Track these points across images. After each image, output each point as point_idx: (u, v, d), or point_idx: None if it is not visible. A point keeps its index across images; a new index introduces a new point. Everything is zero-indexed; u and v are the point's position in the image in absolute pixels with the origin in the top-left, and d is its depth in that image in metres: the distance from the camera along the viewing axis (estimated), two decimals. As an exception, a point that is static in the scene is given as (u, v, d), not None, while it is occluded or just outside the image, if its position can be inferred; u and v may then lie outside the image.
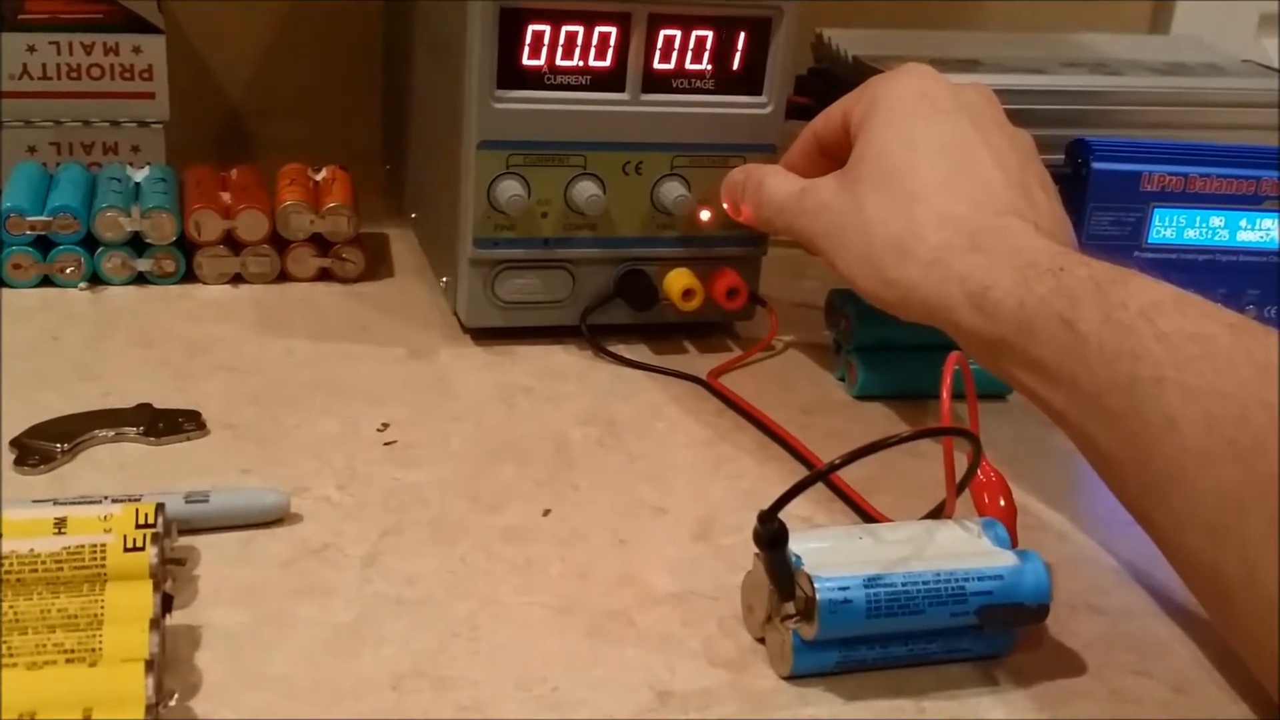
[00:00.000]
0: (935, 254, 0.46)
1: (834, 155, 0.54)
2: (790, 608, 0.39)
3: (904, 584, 0.39)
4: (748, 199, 0.56)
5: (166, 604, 0.38)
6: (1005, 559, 0.40)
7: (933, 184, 0.48)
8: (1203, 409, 0.38)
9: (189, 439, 0.50)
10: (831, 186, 0.51)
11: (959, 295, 0.45)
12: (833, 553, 0.40)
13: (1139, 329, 0.40)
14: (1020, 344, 0.43)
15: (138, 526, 0.40)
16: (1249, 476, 0.36)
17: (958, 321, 0.46)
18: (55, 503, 0.42)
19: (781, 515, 0.38)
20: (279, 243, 0.64)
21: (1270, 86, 0.70)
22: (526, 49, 0.55)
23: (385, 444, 0.51)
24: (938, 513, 0.44)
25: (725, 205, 0.58)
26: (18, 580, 0.38)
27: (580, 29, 0.55)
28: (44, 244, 0.62)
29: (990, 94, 0.52)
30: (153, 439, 0.49)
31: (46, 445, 0.48)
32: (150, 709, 0.34)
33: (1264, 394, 0.37)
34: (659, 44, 0.56)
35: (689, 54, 0.57)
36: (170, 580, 0.40)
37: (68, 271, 0.62)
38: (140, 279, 0.63)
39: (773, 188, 0.55)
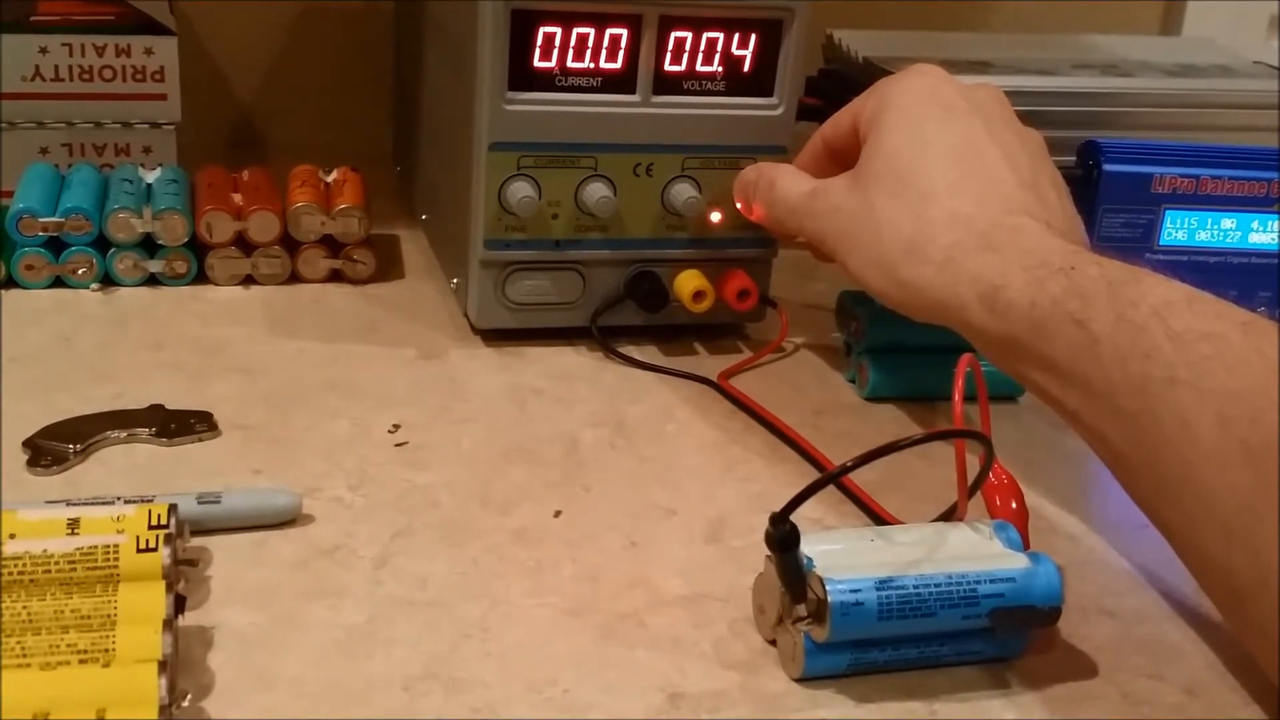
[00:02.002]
0: (947, 254, 0.46)
1: (843, 160, 0.54)
2: (802, 610, 0.39)
3: (916, 586, 0.39)
4: (759, 198, 0.56)
5: (179, 605, 0.38)
6: (1017, 561, 0.40)
7: (944, 184, 0.48)
8: (1215, 409, 0.38)
9: (201, 440, 0.50)
10: (842, 187, 0.51)
11: (971, 295, 0.45)
12: (844, 555, 0.40)
13: (1151, 328, 0.40)
14: (1032, 344, 0.43)
15: (150, 527, 0.40)
16: (1262, 478, 0.36)
17: (970, 321, 0.46)
18: (68, 503, 0.42)
19: (793, 517, 0.38)
20: (290, 244, 0.64)
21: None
22: (538, 51, 0.55)
23: (396, 445, 0.51)
24: (949, 515, 0.44)
25: (738, 204, 0.58)
26: (31, 581, 0.38)
27: (591, 31, 0.55)
28: (56, 245, 0.62)
29: (1000, 94, 0.52)
30: (165, 440, 0.49)
31: (59, 446, 0.48)
32: (163, 709, 0.34)
33: (1276, 394, 0.37)
34: (670, 46, 0.56)
35: (700, 55, 0.57)
36: (183, 581, 0.40)
37: (80, 273, 0.62)
38: (152, 280, 0.63)
39: (784, 187, 0.55)
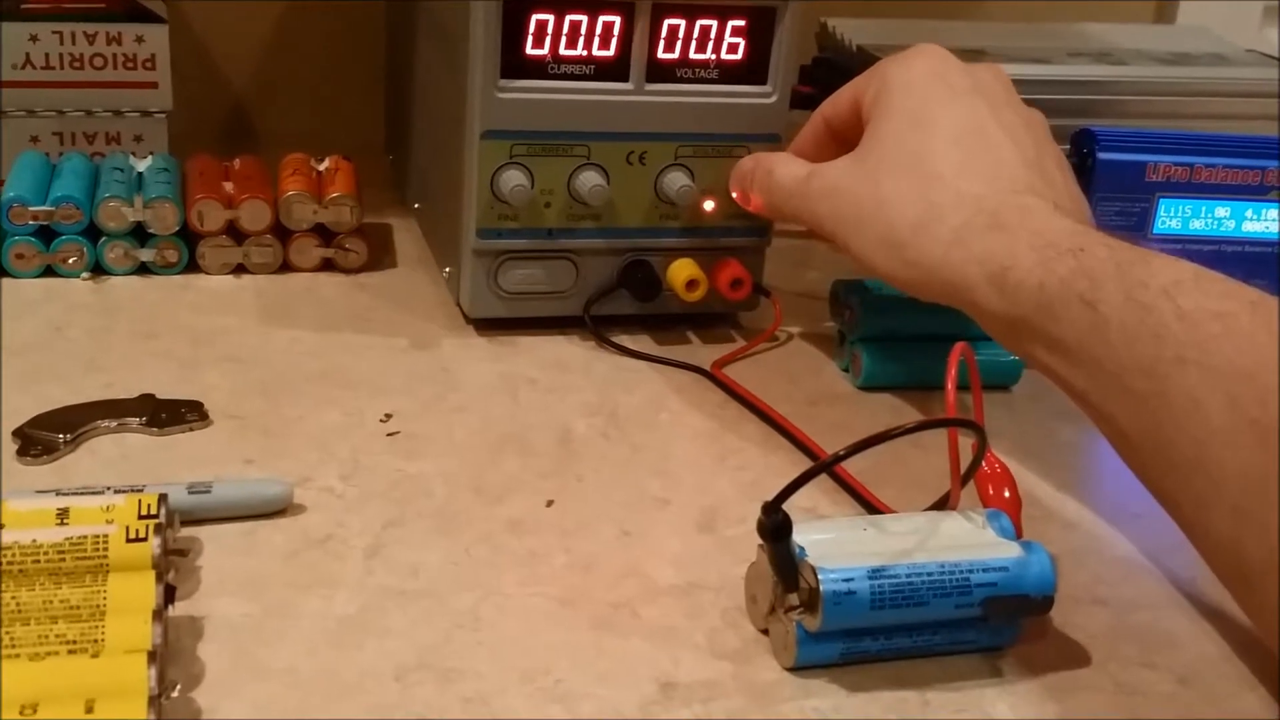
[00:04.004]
0: (955, 234, 0.46)
1: (844, 139, 0.54)
2: (794, 599, 0.39)
3: (908, 575, 0.39)
4: (757, 187, 0.56)
5: (169, 595, 0.38)
6: (1010, 550, 0.40)
7: (950, 164, 0.48)
8: (1225, 389, 0.38)
9: (191, 429, 0.50)
10: (844, 168, 0.51)
11: (979, 276, 0.45)
12: (837, 544, 0.40)
13: (1160, 308, 0.40)
14: (1041, 324, 0.43)
15: (140, 517, 0.40)
16: (1272, 457, 0.36)
17: (978, 302, 0.45)
18: (58, 493, 0.42)
19: (785, 506, 0.37)
20: (282, 233, 0.64)
21: (1274, 76, 0.70)
22: (530, 38, 0.55)
23: (389, 435, 0.51)
24: (942, 504, 0.44)
25: (735, 195, 0.58)
26: (20, 571, 0.38)
27: (584, 18, 0.55)
28: (47, 234, 0.62)
29: (1002, 74, 0.52)
30: (155, 429, 0.49)
31: (49, 436, 0.48)
32: (153, 700, 0.34)
33: None
34: (663, 33, 0.56)
35: (693, 43, 0.56)
36: (173, 571, 0.40)
37: (70, 262, 0.62)
38: (143, 269, 0.63)
39: (782, 174, 0.54)
